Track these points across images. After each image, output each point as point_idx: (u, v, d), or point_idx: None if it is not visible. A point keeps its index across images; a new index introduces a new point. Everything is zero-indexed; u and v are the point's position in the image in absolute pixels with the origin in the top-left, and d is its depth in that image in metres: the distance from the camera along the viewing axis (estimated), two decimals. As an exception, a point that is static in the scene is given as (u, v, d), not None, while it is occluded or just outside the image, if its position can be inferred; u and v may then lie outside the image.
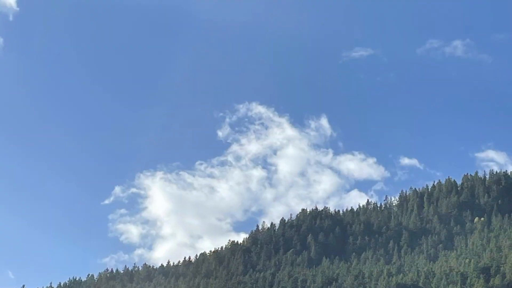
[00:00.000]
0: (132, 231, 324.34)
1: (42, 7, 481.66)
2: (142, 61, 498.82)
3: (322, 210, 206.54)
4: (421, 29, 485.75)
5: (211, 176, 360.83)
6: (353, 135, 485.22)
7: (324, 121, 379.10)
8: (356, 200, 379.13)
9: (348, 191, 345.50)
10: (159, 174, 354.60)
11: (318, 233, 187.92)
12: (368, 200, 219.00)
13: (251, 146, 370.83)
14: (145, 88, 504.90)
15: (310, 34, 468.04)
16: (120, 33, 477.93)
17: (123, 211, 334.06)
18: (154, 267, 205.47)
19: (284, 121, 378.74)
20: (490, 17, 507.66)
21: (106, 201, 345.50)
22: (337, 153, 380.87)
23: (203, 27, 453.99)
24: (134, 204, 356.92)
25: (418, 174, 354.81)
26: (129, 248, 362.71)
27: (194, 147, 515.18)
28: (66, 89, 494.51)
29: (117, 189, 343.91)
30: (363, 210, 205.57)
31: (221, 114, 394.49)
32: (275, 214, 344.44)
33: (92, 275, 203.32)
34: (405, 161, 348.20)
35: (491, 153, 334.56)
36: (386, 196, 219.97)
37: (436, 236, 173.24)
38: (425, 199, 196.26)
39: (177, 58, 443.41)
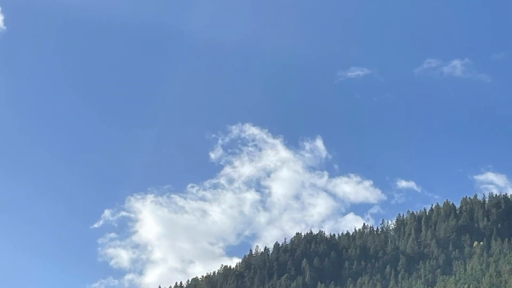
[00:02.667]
0: (122, 256, 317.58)
1: (30, 26, 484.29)
2: (132, 82, 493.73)
3: (317, 234, 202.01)
4: (418, 48, 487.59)
5: (203, 199, 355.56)
6: (349, 157, 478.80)
7: (319, 143, 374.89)
8: (352, 223, 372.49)
9: (344, 214, 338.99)
10: (150, 197, 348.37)
11: (313, 258, 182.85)
12: (364, 223, 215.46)
13: (244, 169, 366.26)
14: (135, 108, 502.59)
15: (304, 53, 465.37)
16: (109, 53, 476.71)
17: (112, 235, 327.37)
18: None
19: (278, 142, 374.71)
20: (489, 36, 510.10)
21: (95, 225, 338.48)
22: (332, 175, 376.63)
23: (195, 46, 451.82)
24: (124, 228, 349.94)
25: (415, 197, 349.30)
26: (119, 273, 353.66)
27: (186, 169, 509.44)
28: (54, 110, 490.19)
29: (107, 213, 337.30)
30: (359, 234, 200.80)
31: (213, 135, 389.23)
32: (269, 238, 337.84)
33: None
34: (402, 183, 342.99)
35: (490, 176, 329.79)
36: (383, 219, 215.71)
37: (434, 261, 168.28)
38: (422, 222, 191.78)
39: (168, 78, 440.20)
